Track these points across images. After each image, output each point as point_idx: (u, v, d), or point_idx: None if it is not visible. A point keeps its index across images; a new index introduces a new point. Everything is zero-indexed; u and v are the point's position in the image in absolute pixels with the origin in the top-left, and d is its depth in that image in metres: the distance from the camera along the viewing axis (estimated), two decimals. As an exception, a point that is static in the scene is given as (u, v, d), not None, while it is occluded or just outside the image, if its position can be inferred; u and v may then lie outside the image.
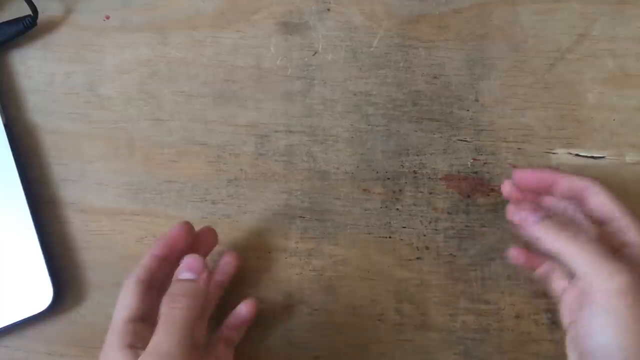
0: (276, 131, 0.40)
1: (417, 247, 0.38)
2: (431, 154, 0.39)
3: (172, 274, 0.32)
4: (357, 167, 0.39)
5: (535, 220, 0.33)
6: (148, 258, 0.33)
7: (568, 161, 0.39)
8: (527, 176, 0.35)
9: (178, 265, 0.32)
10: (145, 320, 0.31)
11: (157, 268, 0.33)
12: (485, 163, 0.39)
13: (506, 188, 0.36)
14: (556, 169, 0.35)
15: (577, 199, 0.34)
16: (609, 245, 0.32)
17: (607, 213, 0.32)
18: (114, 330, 0.31)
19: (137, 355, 0.28)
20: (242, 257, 0.39)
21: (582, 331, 0.31)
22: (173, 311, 0.29)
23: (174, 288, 0.30)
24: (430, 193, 0.39)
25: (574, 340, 0.31)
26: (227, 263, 0.37)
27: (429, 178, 0.39)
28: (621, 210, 0.32)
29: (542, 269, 0.35)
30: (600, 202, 0.32)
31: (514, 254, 0.35)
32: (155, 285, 0.32)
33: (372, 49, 0.40)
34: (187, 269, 0.31)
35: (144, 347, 0.28)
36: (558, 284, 0.34)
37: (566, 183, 0.34)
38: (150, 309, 0.31)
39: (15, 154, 0.39)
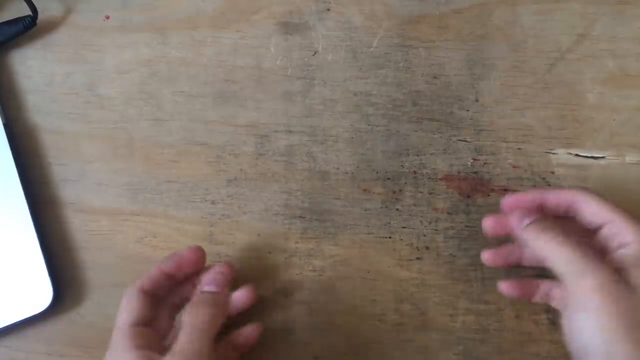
0: (276, 131, 0.40)
1: (417, 247, 0.38)
2: (431, 154, 0.39)
3: (174, 291, 0.35)
4: (357, 167, 0.39)
5: (521, 225, 0.33)
6: (155, 271, 0.34)
7: (568, 161, 0.39)
8: (515, 202, 0.35)
9: (180, 284, 0.35)
10: (147, 327, 0.33)
11: (161, 282, 0.34)
12: (485, 163, 0.39)
13: (487, 223, 0.35)
14: (542, 188, 0.34)
15: (570, 213, 0.34)
16: (606, 247, 0.32)
17: (602, 219, 0.32)
18: (121, 334, 0.32)
19: (149, 357, 0.30)
20: (242, 257, 0.39)
21: (566, 333, 0.31)
22: (197, 318, 0.31)
23: (198, 298, 0.33)
24: (430, 193, 0.39)
25: (566, 342, 0.31)
26: (241, 296, 0.36)
27: (429, 178, 0.39)
28: (615, 212, 0.32)
29: (538, 295, 0.35)
30: (593, 209, 0.33)
31: (505, 288, 0.35)
32: (156, 298, 0.34)
33: (372, 49, 0.40)
34: (211, 282, 0.34)
35: (151, 350, 0.30)
36: (558, 299, 0.35)
37: (555, 198, 0.34)
38: (152, 318, 0.33)
39: (15, 154, 0.39)
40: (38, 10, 0.39)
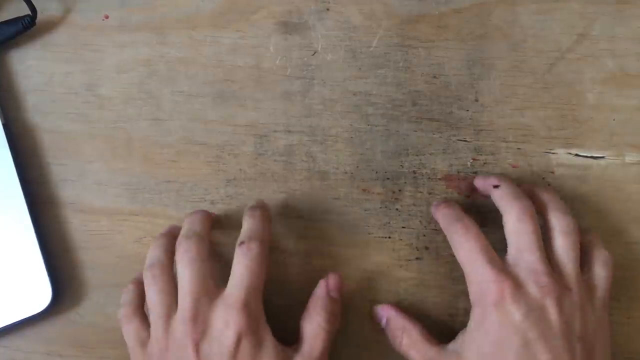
0: (275, 131, 0.40)
1: (416, 247, 0.38)
2: (431, 154, 0.39)
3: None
4: (357, 167, 0.39)
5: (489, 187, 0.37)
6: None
7: (568, 161, 0.38)
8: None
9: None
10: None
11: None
12: (485, 163, 0.39)
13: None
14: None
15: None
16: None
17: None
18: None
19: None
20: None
21: None
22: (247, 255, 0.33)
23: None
24: (430, 193, 0.39)
25: None
26: None
27: (429, 178, 0.39)
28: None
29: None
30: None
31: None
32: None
33: (371, 49, 0.40)
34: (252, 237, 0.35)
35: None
36: None
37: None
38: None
39: (14, 154, 0.39)
40: (37, 9, 0.39)
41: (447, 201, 0.37)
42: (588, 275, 0.34)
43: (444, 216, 0.35)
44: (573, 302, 0.31)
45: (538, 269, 0.32)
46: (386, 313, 0.37)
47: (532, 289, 0.31)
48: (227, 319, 0.32)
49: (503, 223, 0.34)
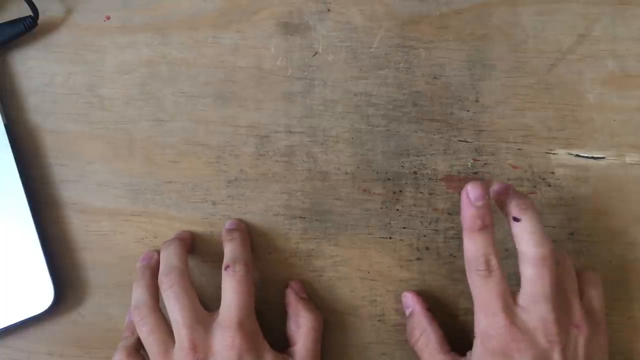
0: (276, 132, 0.40)
1: (417, 248, 0.38)
2: (431, 155, 0.39)
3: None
4: (358, 167, 0.39)
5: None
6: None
7: (568, 162, 0.39)
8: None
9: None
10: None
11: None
12: (485, 164, 0.39)
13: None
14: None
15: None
16: None
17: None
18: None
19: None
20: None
21: None
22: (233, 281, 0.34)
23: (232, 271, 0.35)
24: (431, 194, 0.39)
25: None
26: None
27: (429, 179, 0.39)
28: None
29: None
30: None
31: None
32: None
33: (372, 50, 0.40)
34: (236, 260, 0.36)
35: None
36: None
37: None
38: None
39: (16, 155, 0.39)
40: (39, 10, 0.39)
41: (482, 228, 0.33)
42: (585, 300, 0.34)
43: (472, 246, 0.33)
44: (581, 339, 0.32)
45: (549, 318, 0.31)
46: (412, 306, 0.37)
47: (541, 339, 0.31)
48: (225, 340, 0.33)
49: (519, 258, 0.32)
